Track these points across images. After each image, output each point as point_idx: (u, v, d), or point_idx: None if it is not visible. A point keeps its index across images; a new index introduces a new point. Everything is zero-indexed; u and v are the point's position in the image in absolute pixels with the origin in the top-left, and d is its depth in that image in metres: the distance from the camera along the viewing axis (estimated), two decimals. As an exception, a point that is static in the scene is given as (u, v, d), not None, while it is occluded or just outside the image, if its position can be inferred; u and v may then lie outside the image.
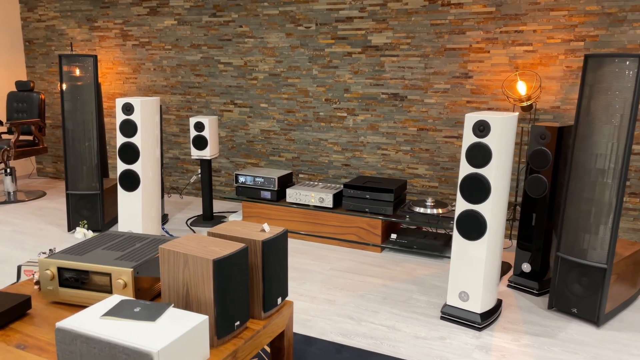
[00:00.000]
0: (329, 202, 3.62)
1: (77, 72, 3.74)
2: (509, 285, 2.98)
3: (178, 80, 4.77)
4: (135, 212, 3.38)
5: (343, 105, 4.15)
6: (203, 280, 1.65)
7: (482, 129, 2.42)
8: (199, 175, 4.83)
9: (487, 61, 3.66)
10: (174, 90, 4.80)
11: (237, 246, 1.72)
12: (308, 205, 3.70)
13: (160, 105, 4.08)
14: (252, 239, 1.82)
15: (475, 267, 2.49)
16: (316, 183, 3.92)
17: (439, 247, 3.40)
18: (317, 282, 3.02)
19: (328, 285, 2.98)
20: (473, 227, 2.47)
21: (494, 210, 2.45)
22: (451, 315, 2.56)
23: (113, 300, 1.66)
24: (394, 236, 3.49)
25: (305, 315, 2.62)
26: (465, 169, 2.47)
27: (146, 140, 3.37)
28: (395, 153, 4.04)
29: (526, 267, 2.92)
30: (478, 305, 2.50)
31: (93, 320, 1.52)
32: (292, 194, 3.73)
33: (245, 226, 1.95)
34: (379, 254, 3.49)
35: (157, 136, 3.51)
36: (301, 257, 3.42)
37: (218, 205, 4.64)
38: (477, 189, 2.44)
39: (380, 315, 2.62)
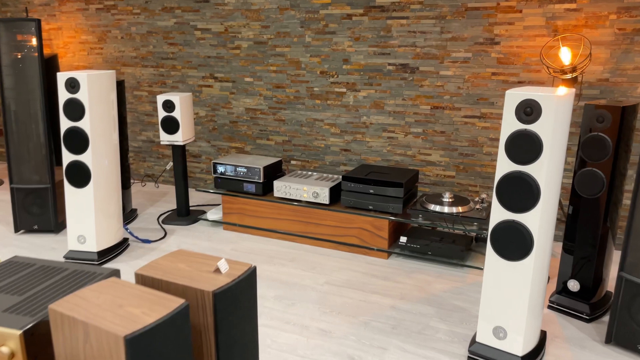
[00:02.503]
0: (324, 197, 2.99)
1: (19, 39, 3.07)
2: (550, 307, 2.38)
3: (149, 51, 4.09)
4: (86, 212, 2.76)
5: (342, 79, 3.49)
6: (113, 366, 1.03)
7: (529, 111, 1.77)
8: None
9: (518, 23, 2.97)
10: (145, 62, 4.13)
11: (170, 305, 1.10)
12: (300, 201, 3.08)
13: (122, 81, 3.42)
14: (197, 287, 1.19)
15: (516, 297, 1.87)
16: (310, 173, 3.29)
17: (459, 253, 2.79)
18: (309, 303, 2.42)
19: (323, 307, 2.37)
20: (514, 243, 1.84)
21: (544, 221, 1.82)
22: (483, 357, 1.96)
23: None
24: (403, 239, 2.88)
25: (293, 355, 2.02)
26: (504, 165, 1.83)
27: (97, 123, 2.73)
28: (404, 136, 3.39)
29: (574, 286, 2.31)
30: (519, 344, 1.89)
31: None
32: (281, 187, 3.09)
33: (193, 262, 1.33)
34: (385, 260, 2.88)
35: (113, 118, 2.86)
36: (291, 265, 2.81)
37: (198, 197, 4.02)
38: (521, 193, 1.81)
39: (389, 355, 2.02)
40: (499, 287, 1.90)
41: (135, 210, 3.60)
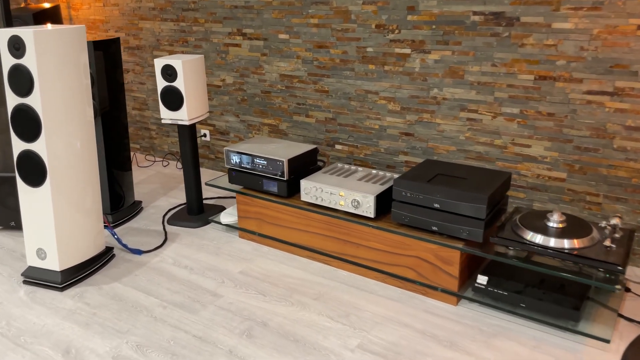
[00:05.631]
0: (368, 208, 2.09)
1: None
2: None
3: (168, 0, 3.29)
4: (45, 219, 2.06)
5: (405, 36, 2.50)
6: None
7: None
8: (205, 136, 3.45)
9: (694, -58, 1.84)
10: (165, 15, 3.34)
11: None
12: (335, 210, 2.21)
13: (117, 39, 2.65)
14: None
15: None
16: (354, 168, 2.39)
17: (571, 313, 1.81)
18: (326, 386, 1.58)
19: (346, 398, 1.53)
20: None
21: None
22: None
23: None
24: (482, 280, 1.94)
25: None
26: None
27: (54, 98, 1.98)
28: (492, 118, 2.38)
29: None
30: None
31: None
32: (310, 189, 2.23)
33: None
34: (453, 308, 1.97)
35: (86, 88, 2.11)
36: (314, 307, 1.97)
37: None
38: None
39: None
40: None
41: (140, 203, 2.89)
